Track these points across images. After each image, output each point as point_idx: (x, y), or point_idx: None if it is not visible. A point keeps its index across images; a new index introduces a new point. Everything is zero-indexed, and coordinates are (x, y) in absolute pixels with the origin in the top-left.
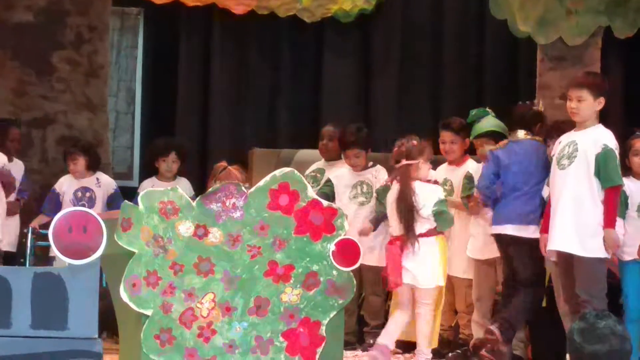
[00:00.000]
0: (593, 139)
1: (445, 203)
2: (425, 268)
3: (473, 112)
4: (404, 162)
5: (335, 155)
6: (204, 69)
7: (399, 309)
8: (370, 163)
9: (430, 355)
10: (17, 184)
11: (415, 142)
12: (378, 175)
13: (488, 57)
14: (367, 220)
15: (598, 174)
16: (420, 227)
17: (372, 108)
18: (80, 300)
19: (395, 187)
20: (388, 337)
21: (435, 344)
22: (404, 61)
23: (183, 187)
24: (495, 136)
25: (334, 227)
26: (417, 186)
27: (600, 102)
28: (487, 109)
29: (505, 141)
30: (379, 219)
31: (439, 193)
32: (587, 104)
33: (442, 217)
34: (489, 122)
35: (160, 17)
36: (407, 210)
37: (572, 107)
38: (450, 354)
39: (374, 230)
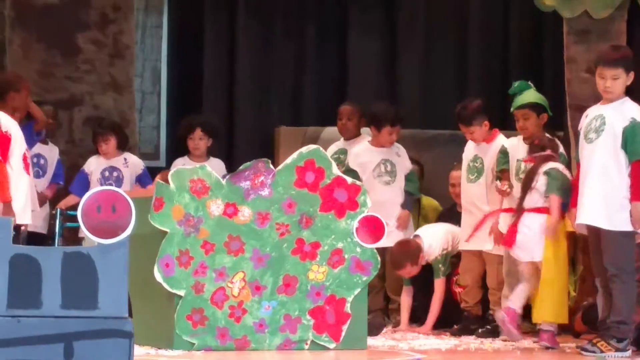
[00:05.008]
0: (621, 112)
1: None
2: (529, 243)
3: (516, 84)
4: (548, 152)
5: (354, 133)
6: (229, 47)
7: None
8: None
9: (553, 328)
10: (53, 169)
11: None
12: (402, 153)
13: (514, 31)
14: (400, 209)
15: (625, 147)
16: (537, 201)
17: (397, 84)
18: (110, 279)
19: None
20: (516, 301)
21: (564, 320)
22: (429, 36)
23: (216, 168)
24: (536, 109)
25: (357, 204)
26: None
27: (631, 77)
28: (529, 83)
29: None
30: (409, 201)
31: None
32: (621, 81)
33: (550, 177)
34: (531, 95)
35: None
36: (525, 185)
37: (607, 86)
38: (480, 330)
39: (410, 211)
